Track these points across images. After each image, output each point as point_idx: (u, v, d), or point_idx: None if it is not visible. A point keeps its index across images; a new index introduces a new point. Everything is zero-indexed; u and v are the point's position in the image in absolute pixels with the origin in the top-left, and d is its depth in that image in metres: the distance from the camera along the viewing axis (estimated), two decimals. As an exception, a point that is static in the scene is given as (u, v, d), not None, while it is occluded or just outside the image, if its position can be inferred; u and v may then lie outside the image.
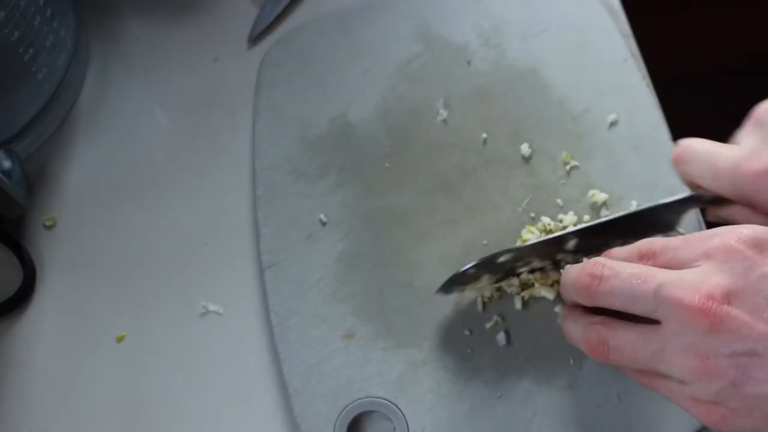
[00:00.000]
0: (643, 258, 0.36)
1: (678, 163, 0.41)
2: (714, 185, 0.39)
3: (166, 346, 0.46)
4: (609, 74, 0.50)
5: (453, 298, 0.44)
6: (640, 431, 0.41)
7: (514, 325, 0.44)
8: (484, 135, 0.49)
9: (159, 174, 0.51)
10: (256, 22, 0.55)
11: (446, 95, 0.50)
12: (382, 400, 0.42)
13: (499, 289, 0.44)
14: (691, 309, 0.32)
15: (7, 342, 0.47)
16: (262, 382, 0.45)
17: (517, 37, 0.52)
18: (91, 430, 0.45)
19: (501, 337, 0.43)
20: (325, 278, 0.46)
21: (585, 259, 0.40)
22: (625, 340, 0.35)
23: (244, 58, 0.54)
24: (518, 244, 0.45)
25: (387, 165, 0.49)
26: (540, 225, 0.46)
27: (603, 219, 0.42)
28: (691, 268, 0.33)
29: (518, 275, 0.44)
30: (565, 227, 0.45)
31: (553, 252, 0.42)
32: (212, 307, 0.47)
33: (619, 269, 0.35)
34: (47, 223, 0.50)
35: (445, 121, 0.50)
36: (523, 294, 0.44)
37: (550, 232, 0.45)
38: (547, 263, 0.43)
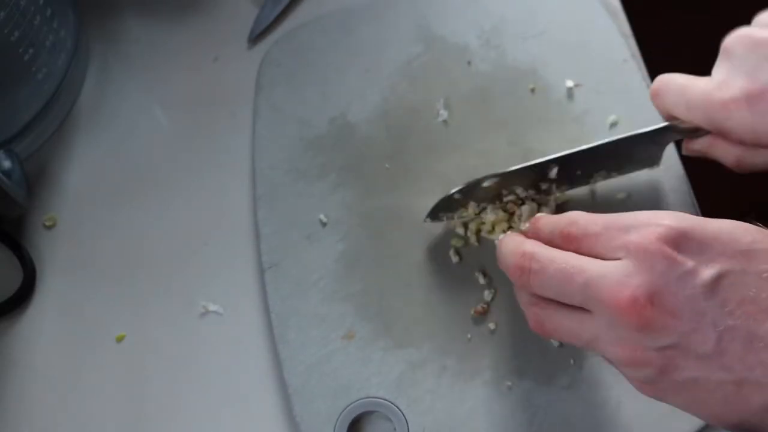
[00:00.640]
0: (565, 240, 0.36)
1: (655, 96, 0.42)
2: (688, 115, 0.40)
3: (166, 346, 0.46)
4: (609, 74, 0.50)
5: (452, 297, 0.44)
6: (640, 431, 0.41)
7: (515, 325, 0.44)
8: (484, 135, 0.49)
9: (159, 174, 0.51)
10: (256, 22, 0.55)
11: (446, 95, 0.50)
12: (382, 400, 0.42)
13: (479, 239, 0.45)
14: (618, 309, 0.32)
15: (7, 342, 0.47)
16: (262, 382, 0.45)
17: (517, 38, 0.52)
18: (91, 430, 0.45)
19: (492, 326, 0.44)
20: (325, 278, 0.46)
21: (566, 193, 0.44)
22: (560, 325, 0.36)
23: (244, 58, 0.54)
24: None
25: (387, 165, 0.49)
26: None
27: (583, 147, 0.43)
28: (614, 262, 0.34)
29: (503, 203, 0.45)
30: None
31: (537, 180, 0.44)
32: (212, 307, 0.47)
33: (546, 263, 0.35)
34: (47, 223, 0.50)
35: (445, 121, 0.50)
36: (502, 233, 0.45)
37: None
38: (531, 192, 0.44)
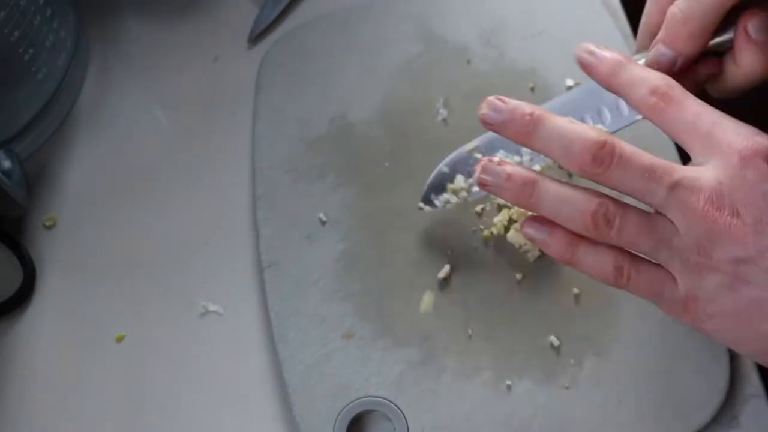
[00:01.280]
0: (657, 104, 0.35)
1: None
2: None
3: (166, 346, 0.46)
4: (609, 74, 0.50)
5: (452, 296, 0.44)
6: (640, 431, 0.41)
7: (515, 324, 0.44)
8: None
9: (159, 174, 0.51)
10: (256, 22, 0.55)
11: (446, 95, 0.50)
12: (382, 400, 0.42)
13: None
14: (700, 215, 0.32)
15: (7, 342, 0.47)
16: (262, 381, 0.45)
17: (517, 38, 0.52)
18: (91, 430, 0.45)
19: None
20: (325, 278, 0.46)
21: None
22: (632, 222, 0.34)
23: (244, 58, 0.55)
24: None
25: (387, 165, 0.49)
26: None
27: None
28: (705, 167, 0.33)
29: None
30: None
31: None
32: (212, 307, 0.47)
33: (631, 155, 0.34)
34: (47, 223, 0.50)
35: (445, 120, 0.50)
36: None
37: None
38: (517, 159, 0.42)
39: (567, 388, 0.42)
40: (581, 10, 0.53)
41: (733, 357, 0.43)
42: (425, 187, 0.44)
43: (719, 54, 0.38)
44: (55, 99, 0.51)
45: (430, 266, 0.45)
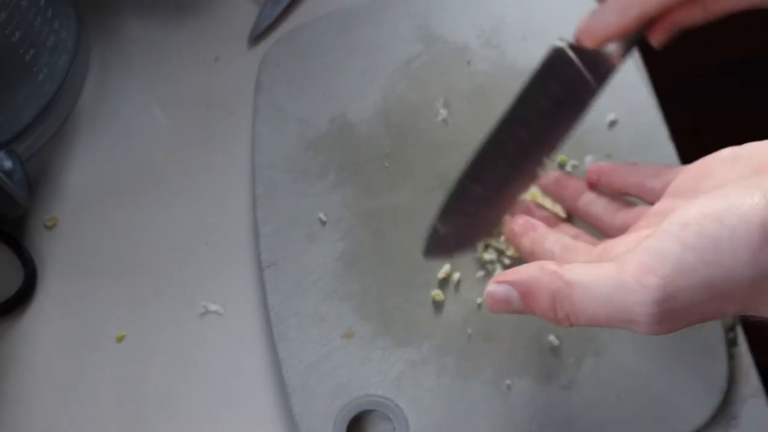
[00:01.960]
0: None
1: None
2: None
3: (166, 346, 0.46)
4: (609, 74, 0.50)
5: (452, 296, 0.44)
6: (640, 431, 0.41)
7: (515, 324, 0.44)
8: (484, 134, 0.49)
9: (159, 174, 0.51)
10: (256, 22, 0.55)
11: (446, 95, 0.50)
12: (382, 399, 0.42)
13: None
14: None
15: (7, 342, 0.47)
16: (262, 381, 0.45)
17: (516, 38, 0.52)
18: (91, 430, 0.45)
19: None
20: (325, 277, 0.46)
21: None
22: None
23: (244, 58, 0.55)
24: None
25: (387, 165, 0.49)
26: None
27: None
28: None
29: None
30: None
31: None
32: (212, 307, 0.47)
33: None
34: (48, 224, 0.50)
35: (444, 120, 0.50)
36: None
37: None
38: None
39: (567, 387, 0.42)
40: (581, 10, 0.52)
41: (732, 357, 0.43)
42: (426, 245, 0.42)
43: None
44: (56, 99, 0.51)
45: (430, 266, 0.45)
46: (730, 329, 0.44)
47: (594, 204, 0.40)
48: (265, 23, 0.55)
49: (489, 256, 0.45)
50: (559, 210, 0.45)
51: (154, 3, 0.57)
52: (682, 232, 0.28)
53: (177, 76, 0.54)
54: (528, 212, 0.42)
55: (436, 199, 0.47)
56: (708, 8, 0.37)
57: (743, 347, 0.44)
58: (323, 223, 0.47)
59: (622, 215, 0.38)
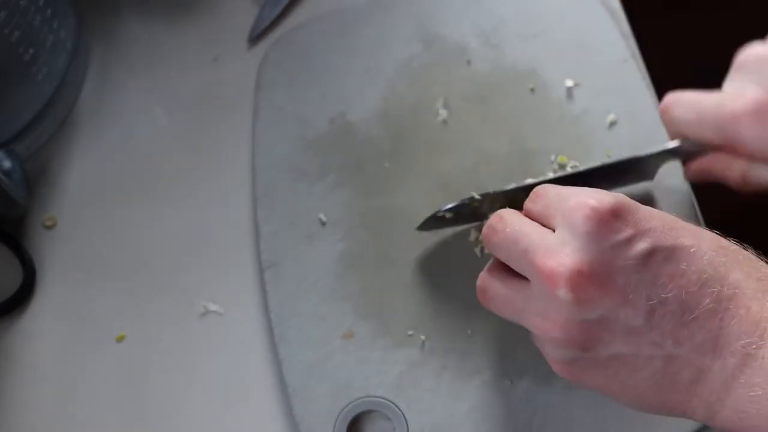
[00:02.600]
0: (531, 200, 0.37)
1: (665, 111, 0.42)
2: (699, 128, 0.40)
3: (166, 346, 0.46)
4: (609, 74, 0.50)
5: (452, 296, 0.44)
6: (639, 431, 0.41)
7: (515, 324, 0.44)
8: (484, 135, 0.49)
9: (159, 174, 0.51)
10: (256, 22, 0.55)
11: (446, 95, 0.50)
12: (382, 400, 0.42)
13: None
14: (547, 278, 0.32)
15: (7, 342, 0.47)
16: (262, 381, 0.45)
17: (516, 37, 0.52)
18: (91, 430, 0.45)
19: None
20: (325, 278, 0.46)
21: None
22: (498, 292, 0.37)
23: (244, 58, 0.55)
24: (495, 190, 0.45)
25: (387, 165, 0.49)
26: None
27: (581, 168, 0.43)
28: (555, 231, 0.34)
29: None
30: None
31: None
32: (212, 307, 0.47)
33: (507, 224, 0.36)
34: (47, 224, 0.50)
35: (444, 121, 0.50)
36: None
37: None
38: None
39: (567, 387, 0.42)
40: (581, 10, 0.53)
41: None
42: (424, 220, 0.45)
43: None
44: (55, 99, 0.51)
45: (431, 266, 0.45)
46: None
47: None
48: (265, 23, 0.55)
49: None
50: None
51: (154, 3, 0.57)
52: None
53: (177, 76, 0.54)
54: None
55: (436, 199, 0.47)
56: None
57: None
58: (323, 223, 0.47)
59: None
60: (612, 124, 0.48)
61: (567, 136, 0.48)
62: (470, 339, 0.44)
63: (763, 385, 0.30)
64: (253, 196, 0.49)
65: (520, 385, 0.42)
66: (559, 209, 0.34)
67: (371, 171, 0.49)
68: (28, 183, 0.48)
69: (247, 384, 0.45)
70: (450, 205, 0.44)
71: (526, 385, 0.42)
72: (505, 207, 0.43)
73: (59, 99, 0.52)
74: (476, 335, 0.44)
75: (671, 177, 0.45)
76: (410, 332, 0.44)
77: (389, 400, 0.42)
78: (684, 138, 0.42)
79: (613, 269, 0.32)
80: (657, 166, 0.43)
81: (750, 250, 0.34)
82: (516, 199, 0.44)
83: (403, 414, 0.42)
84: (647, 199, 0.46)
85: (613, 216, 0.33)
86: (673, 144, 0.42)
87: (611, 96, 0.49)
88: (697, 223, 0.45)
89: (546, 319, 0.33)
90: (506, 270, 0.37)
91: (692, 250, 0.32)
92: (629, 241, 0.32)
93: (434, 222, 0.44)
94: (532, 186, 0.43)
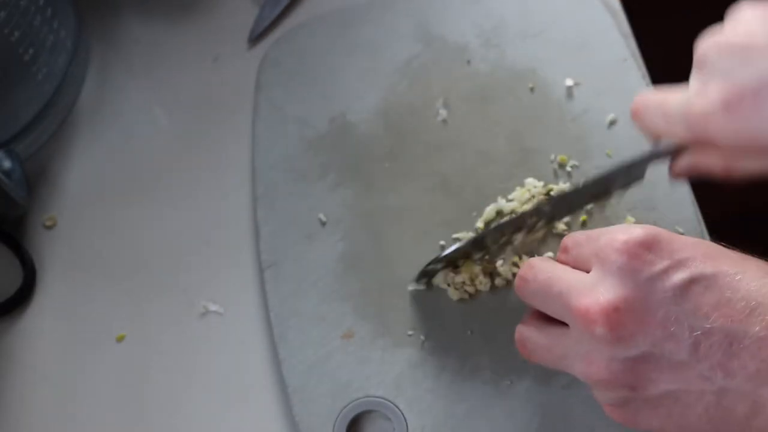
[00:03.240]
0: (563, 251, 0.37)
1: (635, 116, 0.41)
2: (669, 131, 0.39)
3: (166, 346, 0.46)
4: (609, 74, 0.50)
5: (451, 296, 0.44)
6: (639, 431, 0.41)
7: (514, 324, 0.44)
8: (484, 135, 0.49)
9: (159, 174, 0.51)
10: (256, 22, 0.55)
11: (446, 95, 0.50)
12: (381, 400, 0.42)
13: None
14: (584, 318, 0.32)
15: (7, 342, 0.47)
16: (262, 381, 0.45)
17: (516, 37, 0.52)
18: (91, 430, 0.45)
19: None
20: (325, 278, 0.46)
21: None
22: (537, 342, 0.36)
23: (244, 58, 0.55)
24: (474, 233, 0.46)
25: (387, 165, 0.49)
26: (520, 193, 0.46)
27: (566, 190, 0.44)
28: (588, 273, 0.34)
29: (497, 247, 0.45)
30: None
31: (520, 224, 0.43)
32: (212, 307, 0.47)
33: (537, 271, 0.35)
34: (47, 224, 0.50)
35: (444, 120, 0.50)
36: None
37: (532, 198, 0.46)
38: (518, 234, 0.44)
39: (567, 387, 0.42)
40: (581, 10, 0.53)
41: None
42: (418, 275, 0.44)
43: None
44: (55, 99, 0.51)
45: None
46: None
47: None
48: (265, 23, 0.55)
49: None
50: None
51: (154, 3, 0.57)
52: None
53: (177, 76, 0.54)
54: None
55: (436, 199, 0.47)
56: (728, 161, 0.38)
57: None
58: (323, 223, 0.47)
59: None
60: (612, 123, 0.48)
61: (567, 136, 0.48)
62: (470, 339, 0.44)
63: None
64: (253, 196, 0.49)
65: (520, 385, 0.42)
66: (591, 250, 0.34)
67: (371, 171, 0.49)
68: (28, 183, 0.48)
69: (247, 384, 0.45)
70: (442, 254, 0.43)
71: (526, 385, 0.42)
72: (493, 244, 0.44)
73: (59, 99, 0.52)
74: (476, 335, 0.44)
75: (669, 180, 0.45)
76: (410, 332, 0.44)
77: (389, 400, 0.42)
78: (658, 139, 0.41)
79: (651, 302, 0.31)
80: (644, 168, 0.43)
81: None
82: (502, 235, 0.44)
83: (402, 414, 0.42)
84: (647, 204, 0.45)
85: (645, 248, 0.32)
86: (649, 146, 0.42)
87: (611, 96, 0.49)
88: (697, 225, 0.45)
89: (589, 363, 0.32)
90: (543, 318, 0.36)
91: (737, 277, 0.31)
92: (665, 272, 0.31)
93: (426, 275, 0.44)
94: (516, 219, 0.43)
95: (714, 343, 0.30)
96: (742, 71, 0.34)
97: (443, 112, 0.50)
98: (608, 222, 0.45)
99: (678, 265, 0.32)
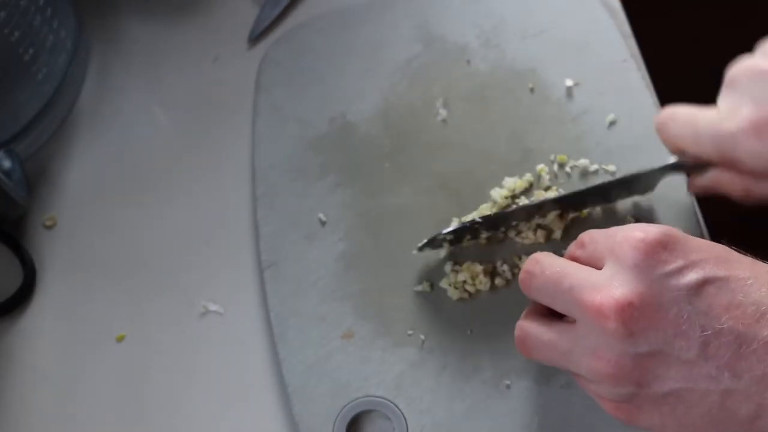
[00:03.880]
0: (578, 246, 0.37)
1: (661, 127, 0.42)
2: (695, 147, 0.40)
3: (166, 346, 0.46)
4: (609, 74, 0.50)
5: (451, 295, 0.44)
6: (639, 430, 0.41)
7: (514, 324, 0.44)
8: (484, 135, 0.49)
9: (159, 174, 0.51)
10: (256, 22, 0.55)
11: (446, 95, 0.50)
12: (381, 400, 0.42)
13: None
14: (596, 312, 0.32)
15: (7, 342, 0.47)
16: (262, 381, 0.45)
17: (516, 37, 0.52)
18: (91, 430, 0.45)
19: None
20: (325, 278, 0.46)
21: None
22: (540, 338, 0.36)
23: (244, 58, 0.55)
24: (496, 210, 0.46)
25: (386, 165, 0.49)
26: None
27: (583, 188, 0.44)
28: (600, 269, 0.34)
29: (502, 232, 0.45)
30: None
31: (533, 215, 0.44)
32: (212, 307, 0.47)
33: (545, 266, 0.36)
34: (47, 223, 0.50)
35: (444, 120, 0.50)
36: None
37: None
38: (524, 224, 0.45)
39: (567, 387, 0.42)
40: (581, 10, 0.53)
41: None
42: (423, 243, 0.45)
43: None
44: (55, 99, 0.51)
45: (430, 266, 0.45)
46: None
47: None
48: (265, 23, 0.55)
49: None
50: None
51: (154, 3, 0.57)
52: None
53: (177, 76, 0.54)
54: None
55: (436, 199, 0.47)
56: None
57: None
58: (323, 223, 0.47)
59: None
60: (611, 123, 0.48)
61: (566, 136, 0.48)
62: (470, 339, 0.44)
63: None
64: (253, 196, 0.49)
65: (520, 384, 0.42)
66: (606, 247, 0.34)
67: (371, 171, 0.49)
68: (28, 183, 0.48)
69: (246, 384, 0.45)
70: (450, 229, 0.44)
71: (526, 384, 0.42)
72: (502, 227, 0.45)
73: (59, 99, 0.52)
74: (476, 335, 0.44)
75: (674, 188, 0.45)
76: (410, 332, 0.44)
77: (389, 400, 0.42)
78: (682, 153, 0.42)
79: (665, 300, 0.31)
80: (658, 180, 0.44)
81: None
82: (514, 219, 0.44)
83: (402, 413, 0.42)
84: (650, 211, 0.45)
85: (662, 247, 0.32)
86: (672, 159, 0.42)
87: (611, 96, 0.49)
88: (700, 235, 0.45)
89: (598, 358, 0.32)
90: (546, 314, 0.36)
91: (749, 281, 0.32)
92: (680, 271, 0.32)
93: (434, 243, 0.44)
94: (529, 206, 0.44)
95: (723, 344, 0.31)
96: None
97: (443, 112, 0.50)
98: (610, 220, 0.45)
99: (692, 265, 0.32)
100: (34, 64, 0.48)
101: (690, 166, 0.41)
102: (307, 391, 0.43)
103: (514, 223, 0.45)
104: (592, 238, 0.36)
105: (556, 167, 0.47)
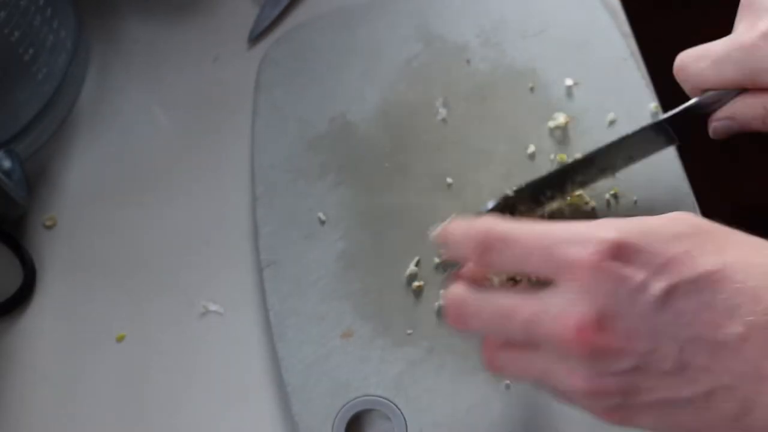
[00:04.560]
0: (484, 250, 0.33)
1: (680, 70, 0.40)
2: (717, 74, 0.38)
3: (166, 346, 0.46)
4: (609, 73, 0.50)
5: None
6: (639, 430, 0.41)
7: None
8: (484, 134, 0.49)
9: (159, 174, 0.51)
10: (256, 22, 0.55)
11: (446, 95, 0.50)
12: (381, 399, 0.42)
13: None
14: (566, 342, 0.30)
15: (7, 342, 0.47)
16: (261, 381, 0.45)
17: (516, 37, 0.52)
18: (91, 430, 0.45)
19: None
20: (324, 277, 0.46)
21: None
22: (512, 359, 0.34)
23: (244, 58, 0.55)
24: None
25: (386, 164, 0.49)
26: None
27: (601, 146, 0.43)
28: (553, 290, 0.31)
29: None
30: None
31: (536, 194, 0.43)
32: (212, 307, 0.47)
33: (480, 308, 0.33)
34: (47, 223, 0.50)
35: (444, 120, 0.50)
36: None
37: None
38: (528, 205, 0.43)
39: (566, 387, 0.42)
40: (581, 10, 0.53)
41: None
42: None
43: None
44: (55, 99, 0.51)
45: (430, 264, 0.45)
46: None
47: None
48: (265, 23, 0.55)
49: None
50: None
51: (154, 3, 0.57)
52: None
53: (177, 76, 0.54)
54: None
55: (436, 199, 0.47)
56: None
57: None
58: (323, 222, 0.47)
59: None
60: (611, 122, 0.48)
61: (566, 135, 0.48)
62: (470, 338, 0.44)
63: None
64: (252, 195, 0.49)
65: (519, 384, 0.42)
66: (548, 259, 0.31)
67: (371, 170, 0.49)
68: (28, 183, 0.48)
69: (246, 383, 0.45)
70: (491, 205, 0.42)
71: (525, 385, 0.42)
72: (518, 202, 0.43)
73: (59, 99, 0.52)
74: (476, 335, 0.44)
75: (674, 188, 0.45)
76: (409, 331, 0.44)
77: (388, 399, 0.42)
78: (703, 92, 0.41)
79: (632, 318, 0.30)
80: (679, 127, 0.42)
81: None
82: (546, 187, 0.43)
83: (402, 413, 0.42)
84: (650, 210, 0.45)
85: (619, 258, 0.30)
86: (693, 100, 0.41)
87: (611, 95, 0.49)
88: None
89: (577, 378, 0.31)
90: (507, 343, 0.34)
91: (716, 276, 0.30)
92: (644, 284, 0.30)
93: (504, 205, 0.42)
94: (561, 171, 0.42)
95: (698, 349, 0.30)
96: None
97: (443, 112, 0.50)
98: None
99: (656, 273, 0.30)
100: (34, 64, 0.48)
101: (709, 102, 0.40)
102: (307, 390, 0.43)
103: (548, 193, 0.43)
104: (515, 238, 0.32)
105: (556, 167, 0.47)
